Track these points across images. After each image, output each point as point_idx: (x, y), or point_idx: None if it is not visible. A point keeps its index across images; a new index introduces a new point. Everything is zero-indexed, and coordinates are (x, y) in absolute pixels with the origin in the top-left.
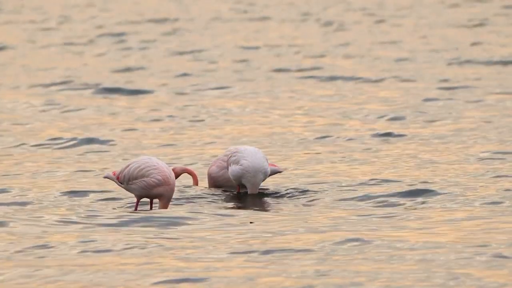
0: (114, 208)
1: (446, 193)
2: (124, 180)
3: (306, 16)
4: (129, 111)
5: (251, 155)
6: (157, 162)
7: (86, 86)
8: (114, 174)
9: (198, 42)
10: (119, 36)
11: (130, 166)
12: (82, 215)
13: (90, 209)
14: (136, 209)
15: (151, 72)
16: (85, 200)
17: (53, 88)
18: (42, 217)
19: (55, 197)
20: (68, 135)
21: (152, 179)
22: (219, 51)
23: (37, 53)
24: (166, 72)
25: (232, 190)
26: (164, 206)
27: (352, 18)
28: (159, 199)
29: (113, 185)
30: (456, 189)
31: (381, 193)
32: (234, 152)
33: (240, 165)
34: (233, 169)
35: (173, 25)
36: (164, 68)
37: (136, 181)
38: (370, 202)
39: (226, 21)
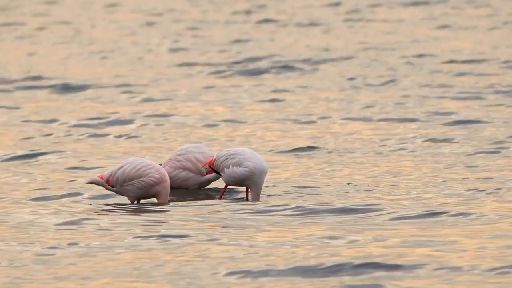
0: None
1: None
2: (118, 183)
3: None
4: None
5: (253, 156)
6: (150, 161)
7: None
8: (101, 178)
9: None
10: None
11: (124, 167)
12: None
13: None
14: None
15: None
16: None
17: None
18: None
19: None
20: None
21: (151, 178)
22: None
23: None
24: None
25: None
26: (164, 200)
27: None
28: (156, 197)
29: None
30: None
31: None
32: (231, 154)
33: (245, 167)
34: (235, 171)
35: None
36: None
37: (133, 182)
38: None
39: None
